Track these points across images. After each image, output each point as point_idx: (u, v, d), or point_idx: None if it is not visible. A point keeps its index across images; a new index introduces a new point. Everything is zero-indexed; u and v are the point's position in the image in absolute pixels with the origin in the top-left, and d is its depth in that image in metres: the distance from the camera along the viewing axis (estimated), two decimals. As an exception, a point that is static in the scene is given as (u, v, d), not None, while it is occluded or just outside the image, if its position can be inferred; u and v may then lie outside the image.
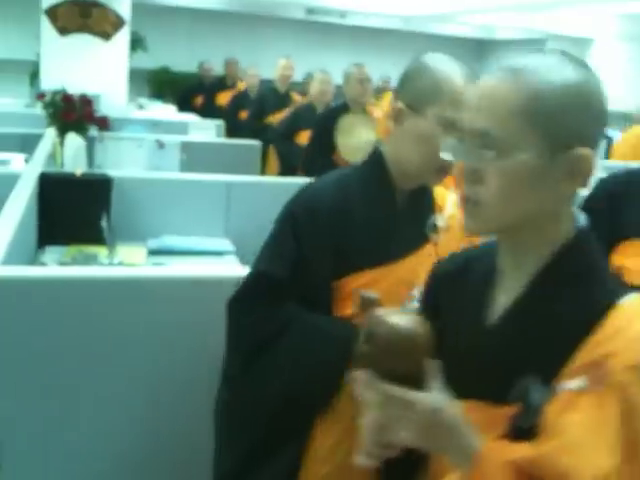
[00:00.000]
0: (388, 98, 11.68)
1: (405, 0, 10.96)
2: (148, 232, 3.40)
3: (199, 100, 9.14)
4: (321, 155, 4.70)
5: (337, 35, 13.22)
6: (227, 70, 9.10)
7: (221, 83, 9.06)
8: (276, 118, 6.31)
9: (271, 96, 6.70)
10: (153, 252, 3.22)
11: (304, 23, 12.79)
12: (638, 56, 11.13)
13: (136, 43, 8.56)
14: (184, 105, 8.72)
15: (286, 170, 5.44)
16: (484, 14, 11.43)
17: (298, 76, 8.25)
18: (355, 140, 4.63)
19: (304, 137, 5.34)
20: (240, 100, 7.68)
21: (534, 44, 12.57)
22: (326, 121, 4.81)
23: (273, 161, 5.92)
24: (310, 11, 12.09)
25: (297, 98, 6.75)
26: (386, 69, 12.51)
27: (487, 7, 10.37)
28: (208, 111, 7.97)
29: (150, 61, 10.41)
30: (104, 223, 2.98)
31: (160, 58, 11.34)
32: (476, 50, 14.86)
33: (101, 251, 3.01)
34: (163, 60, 11.63)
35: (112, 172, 3.46)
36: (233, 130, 6.86)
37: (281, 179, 4.38)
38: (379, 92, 11.64)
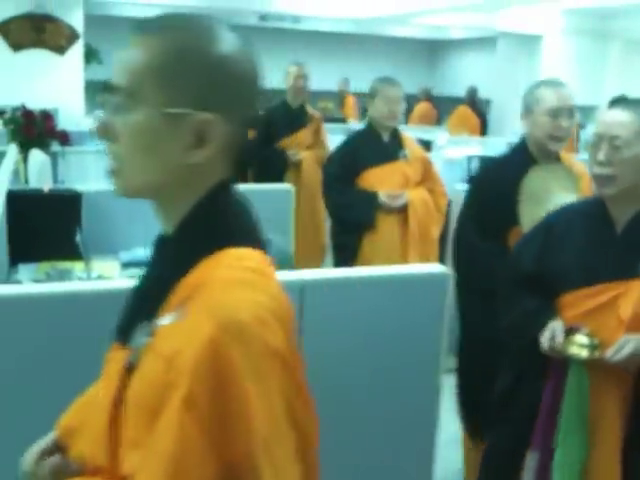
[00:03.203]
0: (350, 101, 11.73)
1: (358, 3, 11.05)
2: (119, 245, 3.40)
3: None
4: (487, 235, 2.82)
5: (291, 40, 13.28)
6: None
7: None
8: (291, 141, 5.14)
9: (282, 113, 5.24)
10: (126, 264, 3.22)
11: (257, 29, 12.82)
12: (584, 49, 11.39)
13: (90, 55, 8.52)
14: None
15: (344, 227, 3.97)
16: (435, 15, 11.59)
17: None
18: (549, 208, 2.65)
19: (370, 179, 3.90)
20: None
21: (485, 42, 12.77)
22: (498, 181, 2.88)
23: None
24: (263, 17, 12.13)
25: (315, 114, 5.43)
26: (342, 72, 12.60)
27: (437, 8, 10.52)
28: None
29: (105, 73, 10.32)
30: (78, 238, 2.98)
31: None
32: (429, 50, 15.04)
33: (76, 266, 3.01)
34: (118, 71, 11.57)
35: (79, 186, 3.45)
36: None
37: (254, 185, 4.33)
38: (342, 95, 11.73)
